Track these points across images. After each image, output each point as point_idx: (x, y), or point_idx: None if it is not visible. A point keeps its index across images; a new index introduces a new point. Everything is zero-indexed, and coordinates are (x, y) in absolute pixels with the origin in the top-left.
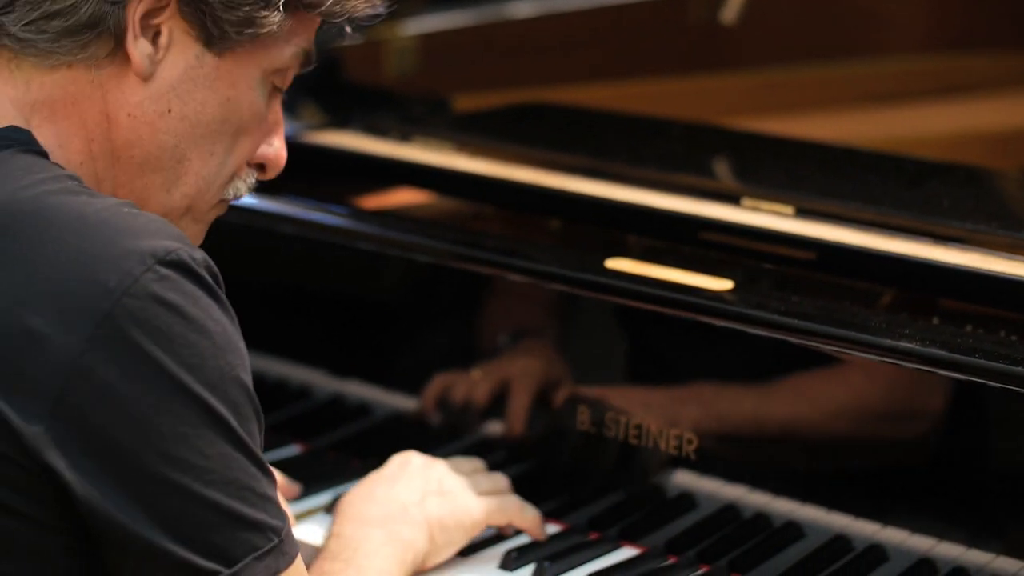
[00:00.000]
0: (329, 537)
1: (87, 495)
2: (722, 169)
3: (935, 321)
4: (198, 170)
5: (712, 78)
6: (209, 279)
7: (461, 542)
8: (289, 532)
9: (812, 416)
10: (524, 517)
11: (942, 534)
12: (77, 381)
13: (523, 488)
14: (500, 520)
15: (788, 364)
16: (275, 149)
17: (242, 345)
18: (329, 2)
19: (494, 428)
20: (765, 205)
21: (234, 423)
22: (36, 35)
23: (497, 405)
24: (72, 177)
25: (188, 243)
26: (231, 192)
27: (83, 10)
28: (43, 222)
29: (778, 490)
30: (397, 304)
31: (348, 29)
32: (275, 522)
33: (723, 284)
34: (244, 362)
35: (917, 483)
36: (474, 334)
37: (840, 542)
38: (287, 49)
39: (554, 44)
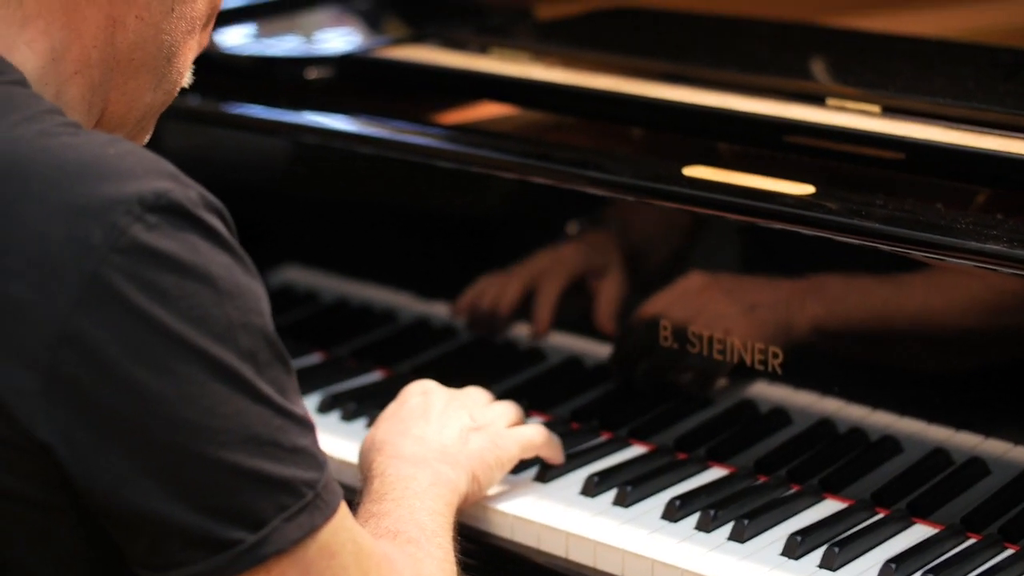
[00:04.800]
0: (371, 477)
1: (86, 472)
2: (808, 68)
3: None
4: (180, 67)
5: None
6: (208, 219)
7: (499, 478)
8: (329, 482)
9: (905, 324)
10: (551, 446)
11: None
12: (67, 351)
13: (609, 408)
14: (531, 452)
15: (871, 270)
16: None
17: (256, 287)
18: None
19: (579, 346)
20: (851, 104)
21: (249, 374)
22: None
23: (581, 325)
24: (52, 111)
25: (183, 180)
26: (187, 81)
27: None
28: (17, 177)
29: (872, 403)
30: (478, 220)
31: None
32: (309, 475)
33: (804, 189)
34: (259, 305)
35: (1018, 393)
36: (561, 248)
37: (939, 456)
38: None
39: None
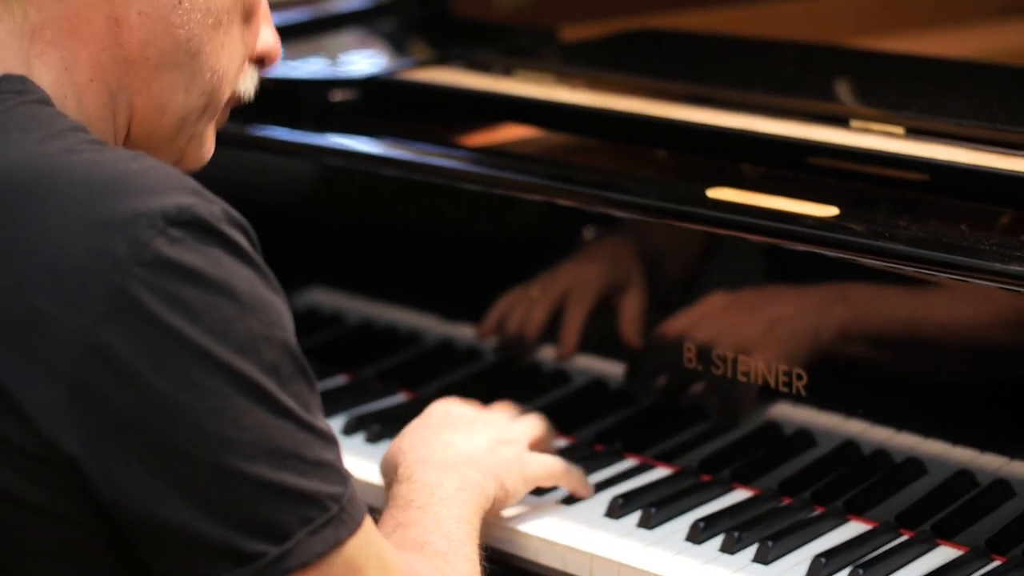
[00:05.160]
0: (396, 481)
1: (111, 484)
2: (831, 90)
3: None
4: (213, 64)
5: None
6: (231, 233)
7: (524, 493)
8: (353, 496)
9: (929, 345)
10: (572, 479)
11: None
12: (92, 363)
13: (633, 429)
14: (551, 481)
15: (895, 291)
16: (272, 38)
17: (279, 301)
18: None
19: (603, 368)
20: (875, 126)
21: (271, 387)
22: None
23: (606, 346)
24: (76, 128)
25: (206, 196)
26: (241, 89)
27: None
28: (40, 192)
29: (896, 425)
30: (502, 242)
31: None
32: (333, 488)
33: (828, 211)
34: (281, 320)
35: None
36: (586, 270)
37: (964, 478)
38: None
39: None
